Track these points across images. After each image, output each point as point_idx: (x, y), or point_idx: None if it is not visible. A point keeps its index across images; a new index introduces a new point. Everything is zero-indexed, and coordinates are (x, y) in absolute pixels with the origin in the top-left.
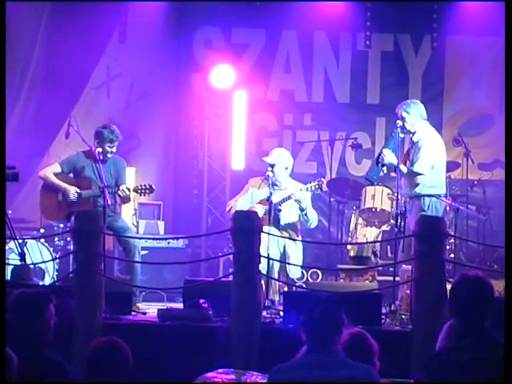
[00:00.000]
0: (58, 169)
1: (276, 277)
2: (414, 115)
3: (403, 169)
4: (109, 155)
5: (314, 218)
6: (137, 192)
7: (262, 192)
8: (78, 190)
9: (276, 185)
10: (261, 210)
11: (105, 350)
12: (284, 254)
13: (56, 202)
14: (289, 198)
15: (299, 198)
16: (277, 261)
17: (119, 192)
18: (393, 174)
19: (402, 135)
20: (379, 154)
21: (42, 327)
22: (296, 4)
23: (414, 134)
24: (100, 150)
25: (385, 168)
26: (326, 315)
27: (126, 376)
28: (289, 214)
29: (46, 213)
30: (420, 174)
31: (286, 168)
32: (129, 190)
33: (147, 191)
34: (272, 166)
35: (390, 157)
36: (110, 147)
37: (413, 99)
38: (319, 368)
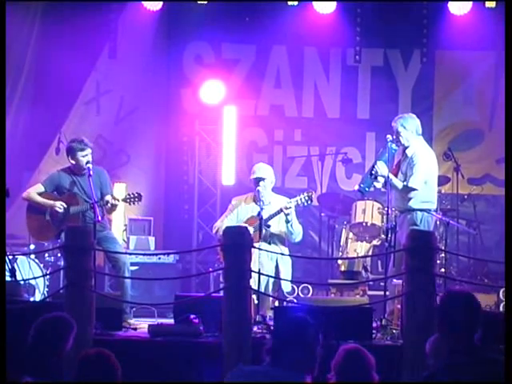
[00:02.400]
0: (42, 188)
1: (271, 293)
2: (411, 130)
3: (398, 183)
4: (90, 165)
5: (298, 232)
6: (126, 201)
7: (247, 209)
8: (64, 204)
9: (262, 200)
10: (250, 228)
11: (94, 363)
12: (277, 269)
13: (44, 222)
14: (278, 212)
15: (289, 211)
16: (268, 276)
17: (110, 203)
18: (383, 190)
19: (395, 148)
20: (372, 166)
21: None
22: (286, 19)
23: (407, 147)
24: (90, 166)
25: (379, 183)
26: (296, 334)
27: None
28: (277, 227)
29: (35, 234)
30: (414, 190)
31: (271, 182)
32: (118, 200)
33: (136, 199)
34: (263, 179)
35: (383, 169)
36: (83, 156)
37: (410, 113)
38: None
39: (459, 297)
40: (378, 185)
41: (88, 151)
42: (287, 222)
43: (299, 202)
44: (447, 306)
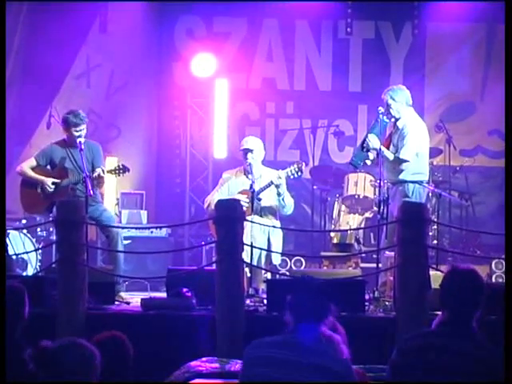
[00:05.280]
0: (34, 163)
1: (264, 265)
2: (400, 101)
3: (389, 155)
4: (81, 139)
5: (290, 205)
6: (111, 173)
7: (238, 183)
8: (55, 181)
9: (253, 173)
10: (243, 201)
11: (108, 346)
12: (269, 242)
13: (36, 196)
14: (269, 185)
15: (279, 183)
16: (260, 249)
17: (94, 175)
18: (368, 163)
19: (387, 120)
20: (364, 139)
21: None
22: None
23: (398, 119)
24: (82, 139)
25: (371, 154)
26: (315, 300)
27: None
28: (268, 200)
29: (27, 207)
30: (405, 161)
31: (261, 154)
32: (103, 171)
33: (121, 171)
34: (251, 151)
35: (374, 142)
36: (76, 131)
37: (398, 85)
38: (291, 349)
39: (463, 274)
40: (369, 162)
41: (83, 126)
42: (279, 195)
43: (289, 173)
44: (451, 282)
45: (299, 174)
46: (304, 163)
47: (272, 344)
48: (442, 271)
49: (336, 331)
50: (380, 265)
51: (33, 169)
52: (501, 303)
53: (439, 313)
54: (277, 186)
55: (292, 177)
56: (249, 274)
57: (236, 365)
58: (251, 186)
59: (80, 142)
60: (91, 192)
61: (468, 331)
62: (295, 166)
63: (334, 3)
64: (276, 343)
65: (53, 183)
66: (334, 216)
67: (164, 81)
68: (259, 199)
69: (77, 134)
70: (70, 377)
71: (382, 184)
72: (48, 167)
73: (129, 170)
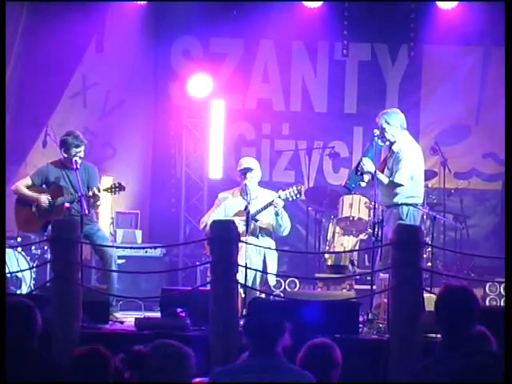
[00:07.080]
0: (29, 182)
1: (258, 286)
2: (395, 125)
3: (383, 179)
4: (78, 160)
5: (287, 225)
6: (108, 191)
7: (234, 204)
8: (50, 197)
9: (249, 194)
10: (240, 223)
11: (86, 359)
12: (264, 263)
13: (30, 214)
14: (268, 205)
15: (279, 208)
16: (255, 270)
17: (89, 193)
18: (363, 185)
19: (381, 143)
20: (358, 163)
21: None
22: (274, 13)
23: (393, 143)
24: (78, 159)
25: (366, 177)
26: (268, 320)
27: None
28: (265, 220)
29: (22, 226)
30: (400, 185)
31: (258, 175)
32: (98, 190)
33: (118, 189)
34: (250, 170)
35: (369, 165)
36: (77, 152)
37: (393, 108)
38: (259, 371)
39: (457, 291)
40: (363, 184)
41: (82, 148)
42: (277, 214)
43: (288, 195)
44: (445, 300)
45: (298, 196)
46: (303, 186)
47: (244, 369)
48: (435, 294)
49: (332, 359)
50: (374, 287)
51: (28, 188)
52: (495, 326)
53: (434, 335)
54: (275, 207)
55: (291, 199)
56: (243, 295)
57: None
58: (246, 207)
59: (75, 161)
60: (86, 211)
61: (469, 345)
62: (294, 188)
63: (330, 26)
64: (246, 368)
65: (48, 200)
66: (328, 237)
67: (160, 101)
68: (256, 220)
69: (78, 155)
70: (164, 376)
71: (376, 206)
72: (43, 187)
73: (124, 189)
